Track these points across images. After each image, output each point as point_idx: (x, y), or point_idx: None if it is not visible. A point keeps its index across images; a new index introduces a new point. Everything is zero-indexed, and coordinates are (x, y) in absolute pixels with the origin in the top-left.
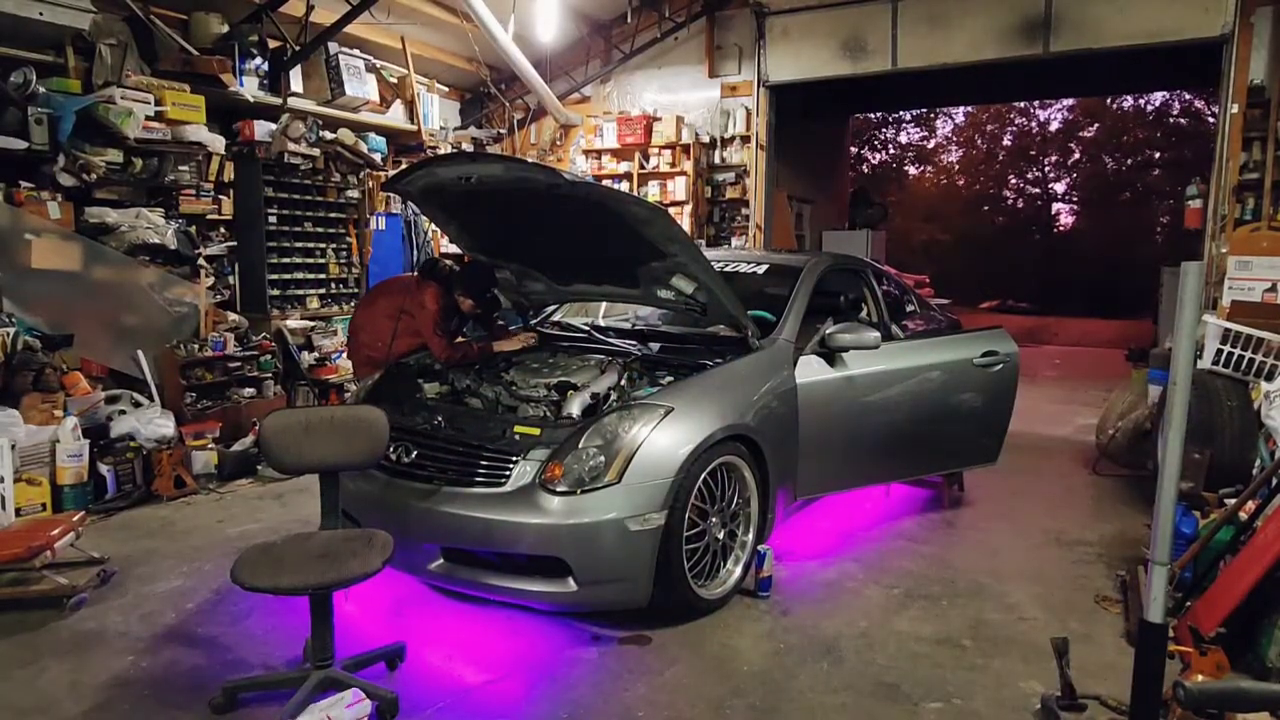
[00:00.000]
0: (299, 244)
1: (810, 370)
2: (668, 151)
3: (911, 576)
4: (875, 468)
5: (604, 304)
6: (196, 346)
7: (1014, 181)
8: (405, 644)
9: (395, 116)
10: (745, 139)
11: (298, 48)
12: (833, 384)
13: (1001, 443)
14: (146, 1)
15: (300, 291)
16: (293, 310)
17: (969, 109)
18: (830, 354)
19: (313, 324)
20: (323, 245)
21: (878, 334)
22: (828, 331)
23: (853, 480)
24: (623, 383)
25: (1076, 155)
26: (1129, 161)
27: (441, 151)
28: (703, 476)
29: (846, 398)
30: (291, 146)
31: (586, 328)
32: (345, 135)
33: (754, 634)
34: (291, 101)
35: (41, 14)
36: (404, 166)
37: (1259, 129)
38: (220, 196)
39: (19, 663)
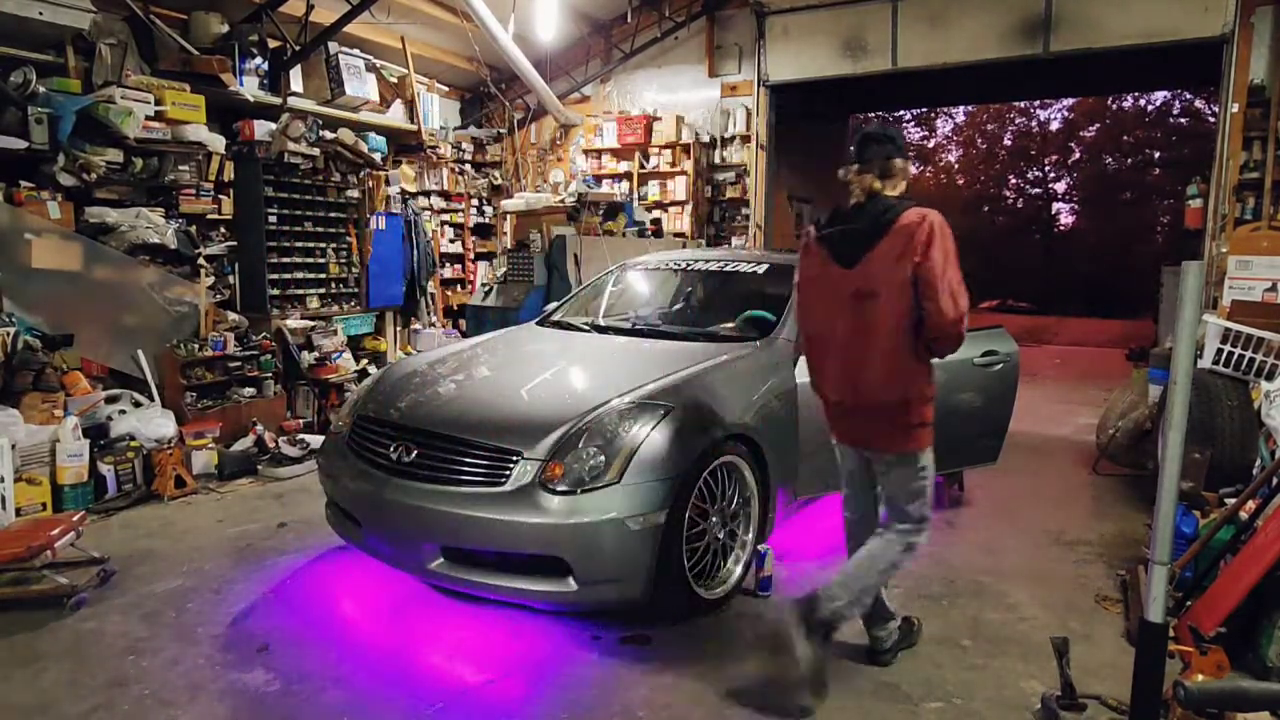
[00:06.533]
0: (299, 244)
1: None
2: (668, 151)
3: (911, 576)
4: None
5: (604, 303)
6: (196, 346)
7: (1014, 181)
8: None
9: (395, 116)
10: (745, 139)
11: (298, 47)
12: None
13: (1002, 442)
14: (146, 1)
15: (300, 291)
16: (293, 310)
17: (969, 109)
18: None
19: (313, 324)
20: (323, 245)
21: None
22: None
23: None
24: None
25: (1076, 155)
26: (1129, 161)
27: (441, 151)
28: (703, 476)
29: None
30: (291, 146)
31: (587, 327)
32: (345, 135)
33: (754, 633)
34: (291, 101)
35: (41, 14)
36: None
37: (1259, 128)
38: (220, 196)
39: (19, 663)
